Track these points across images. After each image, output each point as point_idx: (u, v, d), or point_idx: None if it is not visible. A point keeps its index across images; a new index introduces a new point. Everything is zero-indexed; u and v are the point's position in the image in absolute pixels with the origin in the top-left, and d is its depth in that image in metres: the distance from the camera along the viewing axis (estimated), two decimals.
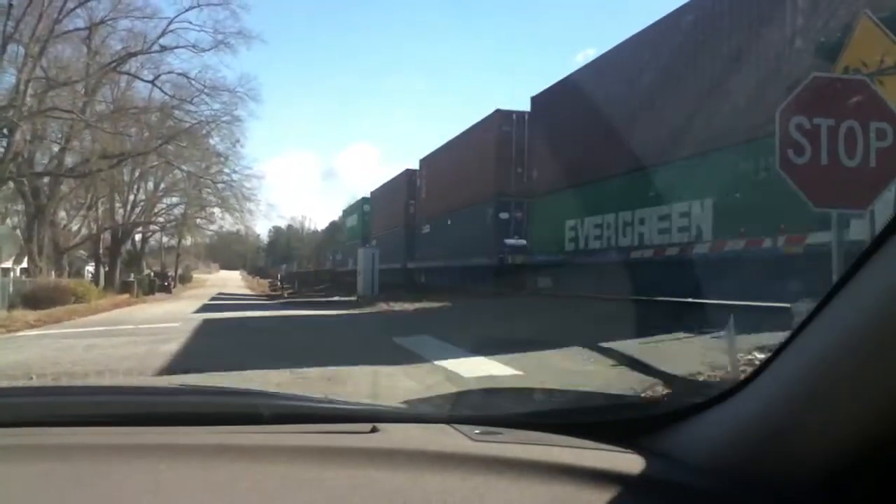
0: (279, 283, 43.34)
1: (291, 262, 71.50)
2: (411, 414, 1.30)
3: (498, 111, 20.25)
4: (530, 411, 1.27)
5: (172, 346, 9.25)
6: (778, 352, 0.90)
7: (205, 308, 20.90)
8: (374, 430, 1.11)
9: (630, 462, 0.98)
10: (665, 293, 11.71)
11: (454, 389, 1.60)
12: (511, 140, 19.65)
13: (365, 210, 37.92)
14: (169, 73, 27.50)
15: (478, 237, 20.24)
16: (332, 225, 49.17)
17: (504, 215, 19.52)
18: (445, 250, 23.35)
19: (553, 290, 16.15)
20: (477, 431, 1.11)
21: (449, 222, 23.38)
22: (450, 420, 1.20)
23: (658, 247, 12.16)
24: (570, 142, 15.29)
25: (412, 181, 29.36)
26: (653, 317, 9.19)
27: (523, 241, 18.67)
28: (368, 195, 38.89)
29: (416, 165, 30.09)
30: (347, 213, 44.71)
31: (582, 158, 14.47)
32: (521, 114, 19.65)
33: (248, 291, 42.59)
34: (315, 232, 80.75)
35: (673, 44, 11.93)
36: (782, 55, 9.38)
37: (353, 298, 22.59)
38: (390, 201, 32.53)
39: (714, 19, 11.02)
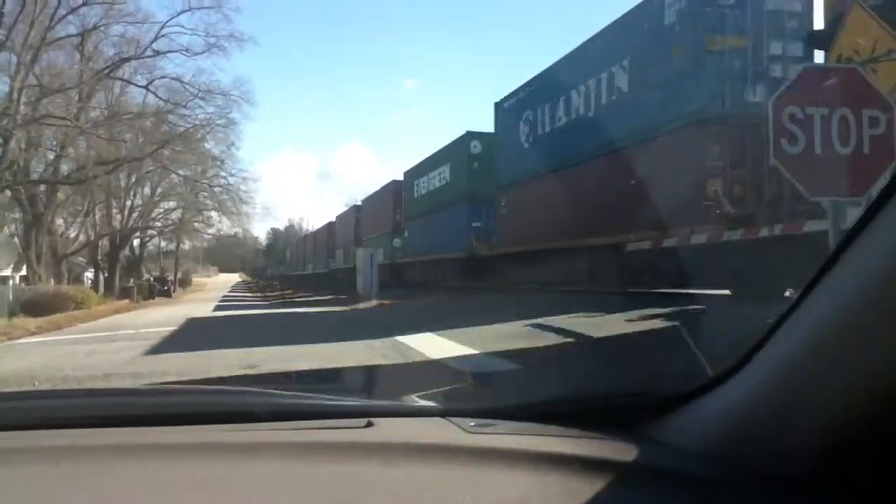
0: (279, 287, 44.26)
1: (290, 264, 72.22)
2: (406, 408, 1.30)
3: None
4: (524, 402, 1.27)
5: (174, 350, 9.25)
6: (767, 336, 0.90)
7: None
8: (369, 425, 1.11)
9: (624, 450, 0.98)
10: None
11: (451, 383, 1.60)
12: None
13: (290, 254, 59.09)
14: (163, 77, 27.50)
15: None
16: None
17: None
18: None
19: None
20: (472, 423, 1.11)
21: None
22: (445, 413, 1.20)
23: None
24: None
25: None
26: None
27: None
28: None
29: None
30: (290, 247, 66.22)
31: None
32: None
33: (247, 293, 42.61)
34: (319, 229, 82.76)
35: None
36: None
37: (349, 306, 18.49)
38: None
39: None
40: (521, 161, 16.96)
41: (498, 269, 18.57)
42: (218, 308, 23.62)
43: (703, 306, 9.62)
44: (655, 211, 10.98)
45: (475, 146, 20.70)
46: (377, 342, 8.79)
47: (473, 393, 1.59)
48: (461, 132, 21.48)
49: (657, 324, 7.72)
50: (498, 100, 19.08)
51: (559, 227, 14.58)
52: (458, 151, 21.76)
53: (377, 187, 34.44)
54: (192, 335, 12.10)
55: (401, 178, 29.21)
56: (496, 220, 18.99)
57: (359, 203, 37.14)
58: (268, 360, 7.25)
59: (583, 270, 14.02)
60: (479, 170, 19.95)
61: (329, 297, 22.21)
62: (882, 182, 5.07)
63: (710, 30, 10.50)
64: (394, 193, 28.45)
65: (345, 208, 45.67)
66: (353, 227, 34.64)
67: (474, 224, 20.46)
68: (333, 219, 38.44)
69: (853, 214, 5.84)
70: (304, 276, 46.14)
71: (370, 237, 30.46)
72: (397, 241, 27.14)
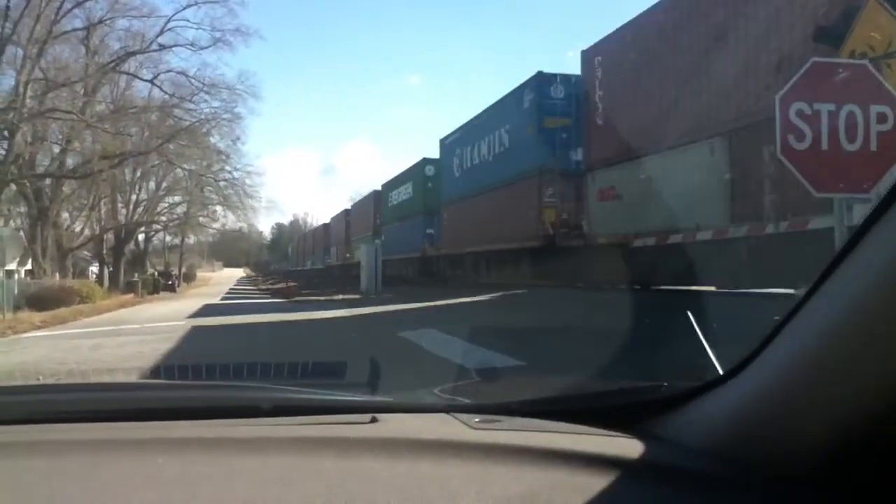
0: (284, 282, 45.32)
1: (291, 260, 73.25)
2: (410, 404, 1.30)
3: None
4: (529, 399, 1.27)
5: (178, 344, 9.30)
6: (774, 333, 0.90)
7: None
8: (373, 421, 1.11)
9: (629, 446, 0.98)
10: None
11: (455, 380, 1.61)
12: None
13: (291, 250, 59.64)
14: (168, 71, 27.53)
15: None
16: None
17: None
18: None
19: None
20: (476, 420, 1.11)
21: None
22: (449, 409, 1.20)
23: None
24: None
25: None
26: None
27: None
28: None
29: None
30: (291, 243, 68.80)
31: None
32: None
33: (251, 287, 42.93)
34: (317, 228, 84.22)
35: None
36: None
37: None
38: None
39: None
40: (455, 185, 23.04)
41: (440, 266, 24.52)
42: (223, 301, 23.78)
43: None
44: (518, 229, 17.03)
45: (429, 169, 26.46)
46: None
47: (478, 389, 1.58)
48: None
49: (665, 317, 7.71)
50: (443, 136, 25.22)
51: (474, 236, 20.69)
52: (417, 173, 27.54)
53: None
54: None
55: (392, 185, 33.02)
56: (440, 228, 24.84)
57: (348, 207, 43.50)
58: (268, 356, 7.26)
59: (493, 269, 19.86)
60: (432, 188, 25.78)
61: (331, 291, 23.38)
62: (890, 179, 5.05)
63: (547, 113, 16.51)
64: (374, 202, 33.99)
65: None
66: (345, 228, 40.04)
67: (428, 231, 25.89)
68: (335, 216, 44.16)
69: (860, 211, 5.82)
70: (302, 272, 51.11)
71: (357, 237, 35.79)
72: (377, 242, 30.57)
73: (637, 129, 12.41)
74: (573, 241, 15.26)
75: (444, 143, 24.60)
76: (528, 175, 16.79)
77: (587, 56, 15.02)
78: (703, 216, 10.59)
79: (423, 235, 25.87)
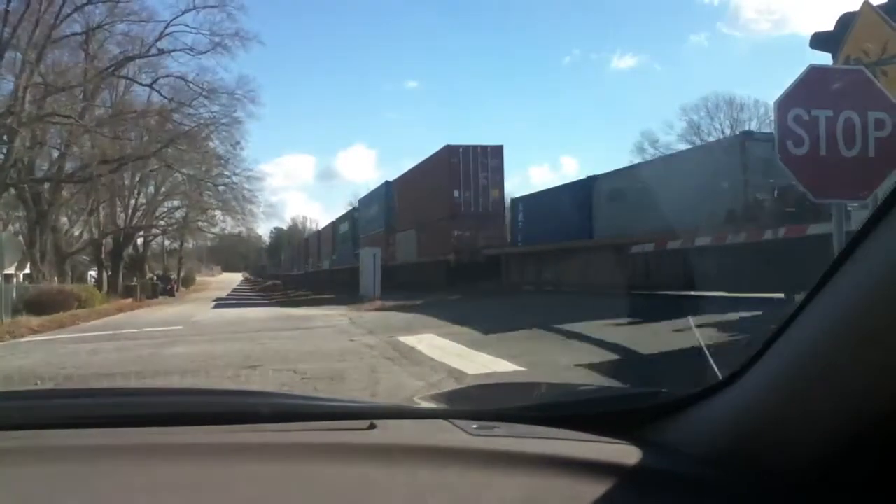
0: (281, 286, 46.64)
1: (285, 266, 74.43)
2: (409, 410, 1.30)
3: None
4: (527, 405, 1.27)
5: (177, 349, 9.28)
6: (772, 340, 0.90)
7: None
8: (371, 427, 1.11)
9: (627, 453, 0.98)
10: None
11: (456, 386, 1.61)
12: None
13: (284, 257, 74.60)
14: (167, 76, 27.62)
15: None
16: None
17: None
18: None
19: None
20: (474, 426, 1.11)
21: None
22: (447, 415, 1.20)
23: None
24: None
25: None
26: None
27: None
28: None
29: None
30: (285, 250, 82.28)
31: None
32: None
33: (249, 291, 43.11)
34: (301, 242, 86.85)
35: None
36: None
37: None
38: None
39: None
40: (363, 228, 36.46)
41: None
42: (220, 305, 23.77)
43: None
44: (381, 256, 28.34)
45: (357, 214, 39.67)
46: (377, 341, 8.82)
47: (476, 395, 1.58)
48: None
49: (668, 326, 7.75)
50: (361, 197, 41.65)
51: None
52: (350, 217, 40.97)
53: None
54: None
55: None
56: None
57: (319, 230, 55.80)
58: (269, 361, 7.27)
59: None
60: (357, 226, 38.41)
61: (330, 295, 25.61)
62: (888, 185, 5.05)
63: (391, 202, 31.90)
64: (332, 230, 46.28)
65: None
66: (318, 244, 52.29)
67: (356, 252, 36.00)
68: (312, 233, 54.74)
69: (858, 217, 5.82)
70: (291, 276, 61.76)
71: (325, 252, 47.95)
72: (335, 258, 43.39)
73: (407, 218, 28.88)
74: (393, 262, 29.57)
75: (361, 201, 40.62)
76: (382, 230, 32.14)
77: (394, 183, 31.91)
78: (410, 255, 28.14)
79: (354, 256, 36.23)
